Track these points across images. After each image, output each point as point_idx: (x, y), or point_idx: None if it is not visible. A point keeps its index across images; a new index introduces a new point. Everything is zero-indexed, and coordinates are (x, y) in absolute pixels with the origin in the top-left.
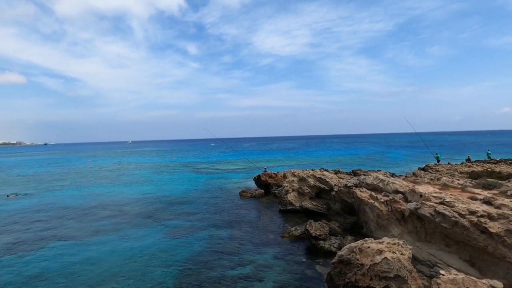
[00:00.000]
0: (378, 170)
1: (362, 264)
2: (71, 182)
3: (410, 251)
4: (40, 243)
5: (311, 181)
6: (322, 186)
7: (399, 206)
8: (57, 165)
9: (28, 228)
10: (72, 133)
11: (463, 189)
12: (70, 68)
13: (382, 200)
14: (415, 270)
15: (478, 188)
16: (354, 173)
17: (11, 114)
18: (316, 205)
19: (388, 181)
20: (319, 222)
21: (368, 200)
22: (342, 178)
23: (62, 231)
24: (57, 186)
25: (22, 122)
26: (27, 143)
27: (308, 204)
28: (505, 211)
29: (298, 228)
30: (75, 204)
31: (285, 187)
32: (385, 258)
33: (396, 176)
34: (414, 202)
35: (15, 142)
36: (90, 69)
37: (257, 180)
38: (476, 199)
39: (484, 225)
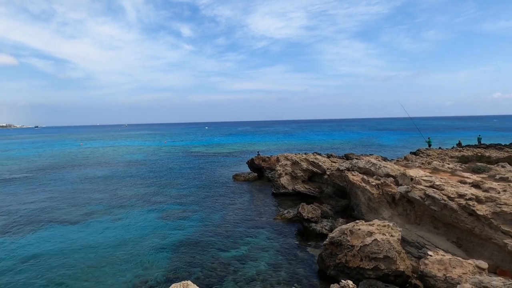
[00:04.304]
0: (370, 154)
1: (352, 246)
2: (62, 165)
3: (400, 233)
4: (32, 226)
5: (304, 165)
6: (315, 169)
7: (390, 189)
8: (47, 148)
9: (19, 212)
10: (64, 116)
11: (453, 173)
12: (61, 49)
13: (373, 183)
14: (404, 251)
15: (467, 172)
16: (347, 157)
17: (0, 96)
18: (309, 188)
19: (380, 165)
20: (311, 205)
21: (360, 184)
22: (335, 162)
23: (54, 214)
24: (48, 169)
25: (12, 104)
26: (17, 125)
27: (300, 187)
28: (492, 194)
29: (290, 211)
30: (66, 187)
31: (278, 171)
32: (375, 239)
33: (388, 160)
34: (405, 186)
35: (4, 124)
36: (81, 51)
37: (251, 163)
38: (465, 183)
39: (472, 207)
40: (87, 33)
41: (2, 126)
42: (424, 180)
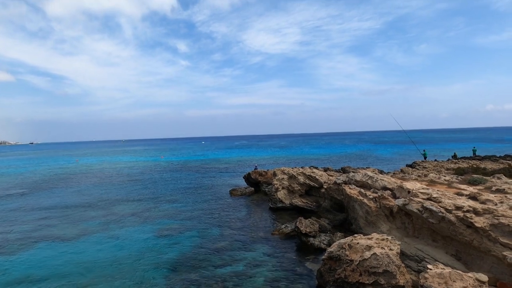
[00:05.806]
0: (367, 167)
1: (351, 260)
2: (57, 182)
3: (399, 247)
4: (26, 244)
5: (301, 179)
6: (312, 183)
7: (387, 202)
8: (42, 165)
9: (13, 229)
10: (60, 132)
11: (449, 185)
12: (58, 66)
13: (371, 196)
14: (403, 265)
15: (464, 184)
16: (343, 170)
17: None
18: (306, 202)
19: (377, 178)
20: (309, 219)
21: (357, 197)
22: (332, 176)
23: (48, 232)
24: (42, 186)
25: (8, 121)
26: (12, 142)
27: (298, 201)
28: (490, 206)
29: (288, 225)
30: (61, 204)
31: (275, 185)
32: (374, 253)
33: (385, 173)
34: (402, 198)
35: None
36: (78, 67)
37: (247, 178)
38: (462, 195)
39: (469, 220)
40: (84, 50)
41: None
42: (421, 192)
